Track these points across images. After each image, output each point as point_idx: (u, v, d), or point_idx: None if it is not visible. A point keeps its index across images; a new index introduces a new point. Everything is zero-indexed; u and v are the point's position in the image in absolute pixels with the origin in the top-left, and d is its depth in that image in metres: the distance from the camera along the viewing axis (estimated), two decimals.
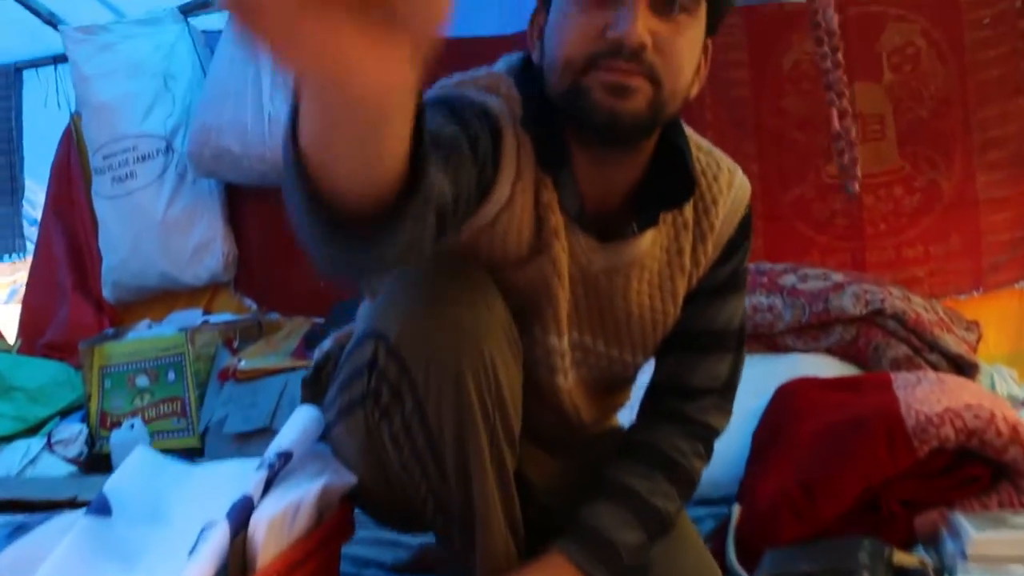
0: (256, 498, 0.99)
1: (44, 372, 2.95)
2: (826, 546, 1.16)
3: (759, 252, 2.46)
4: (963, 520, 1.16)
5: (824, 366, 1.87)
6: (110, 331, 2.92)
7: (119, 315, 3.19)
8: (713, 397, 1.15)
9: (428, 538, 1.34)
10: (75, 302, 3.21)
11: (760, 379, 1.77)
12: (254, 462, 1.13)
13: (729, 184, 1.08)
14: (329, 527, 1.07)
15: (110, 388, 2.71)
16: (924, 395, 1.39)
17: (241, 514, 0.96)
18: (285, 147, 0.61)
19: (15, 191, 3.58)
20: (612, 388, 1.17)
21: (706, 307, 1.11)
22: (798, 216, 2.48)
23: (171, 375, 2.64)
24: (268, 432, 2.30)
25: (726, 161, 1.10)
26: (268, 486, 1.02)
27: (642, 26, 0.89)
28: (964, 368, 1.84)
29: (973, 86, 2.38)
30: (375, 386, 0.97)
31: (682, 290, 1.08)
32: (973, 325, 2.09)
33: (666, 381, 1.16)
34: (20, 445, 2.57)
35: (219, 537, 0.93)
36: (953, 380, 1.58)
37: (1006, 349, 2.30)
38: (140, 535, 1.08)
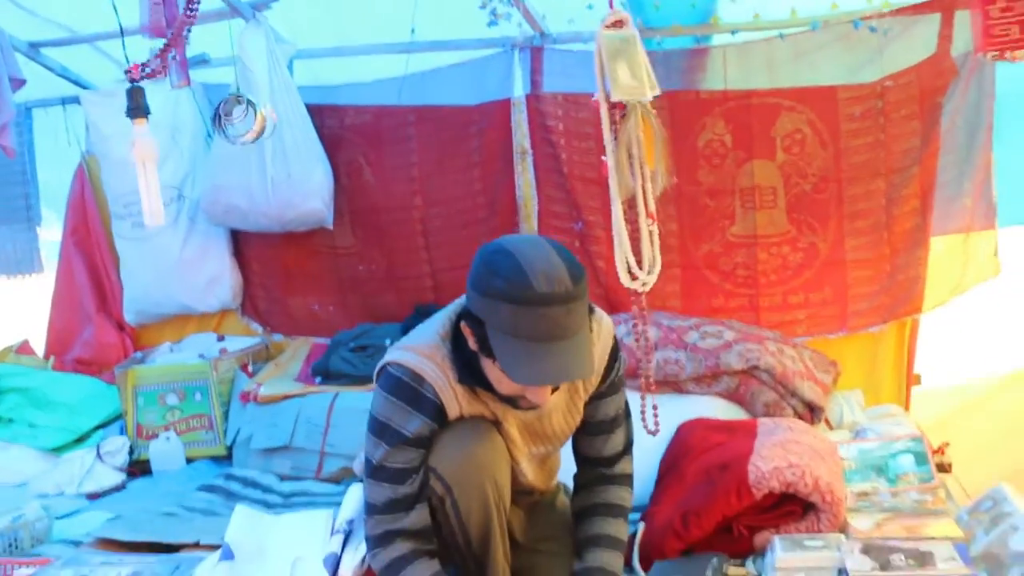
0: (339, 553, 1.60)
1: (81, 387, 3.47)
2: (689, 561, 1.81)
3: (677, 296, 3.10)
4: (778, 541, 1.81)
5: (715, 407, 2.52)
6: (139, 355, 3.45)
7: (138, 334, 3.72)
8: (624, 457, 1.80)
9: None
10: (99, 323, 3.71)
11: (668, 415, 2.41)
12: (320, 513, 1.76)
13: (599, 332, 1.66)
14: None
15: (143, 405, 3.25)
16: (770, 449, 2.02)
17: (334, 565, 1.58)
18: None
19: (31, 218, 4.03)
20: (545, 462, 1.82)
21: (599, 407, 1.75)
22: (707, 267, 3.08)
23: (198, 396, 3.20)
24: (288, 448, 2.89)
25: (596, 313, 1.67)
26: (344, 543, 1.64)
27: (548, 394, 1.50)
28: (814, 409, 2.49)
29: (845, 167, 2.96)
30: (429, 495, 1.59)
31: (581, 405, 1.71)
32: (831, 366, 2.75)
33: (589, 456, 1.79)
34: (74, 457, 3.10)
35: None
36: (799, 430, 2.23)
37: (861, 377, 2.95)
38: (253, 570, 1.69)
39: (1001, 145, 2.83)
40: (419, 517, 1.59)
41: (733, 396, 2.54)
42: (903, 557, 1.69)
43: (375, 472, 1.59)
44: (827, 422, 2.59)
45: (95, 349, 3.67)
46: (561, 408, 1.68)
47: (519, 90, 3.32)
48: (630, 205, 1.95)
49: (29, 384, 3.41)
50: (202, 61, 3.58)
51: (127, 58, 2.28)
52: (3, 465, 3.09)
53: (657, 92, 1.95)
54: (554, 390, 1.56)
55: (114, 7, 2.26)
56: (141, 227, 3.48)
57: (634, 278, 1.95)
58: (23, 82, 3.25)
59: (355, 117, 3.47)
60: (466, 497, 1.57)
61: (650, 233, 1.94)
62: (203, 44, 3.39)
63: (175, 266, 3.47)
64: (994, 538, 1.72)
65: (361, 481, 1.75)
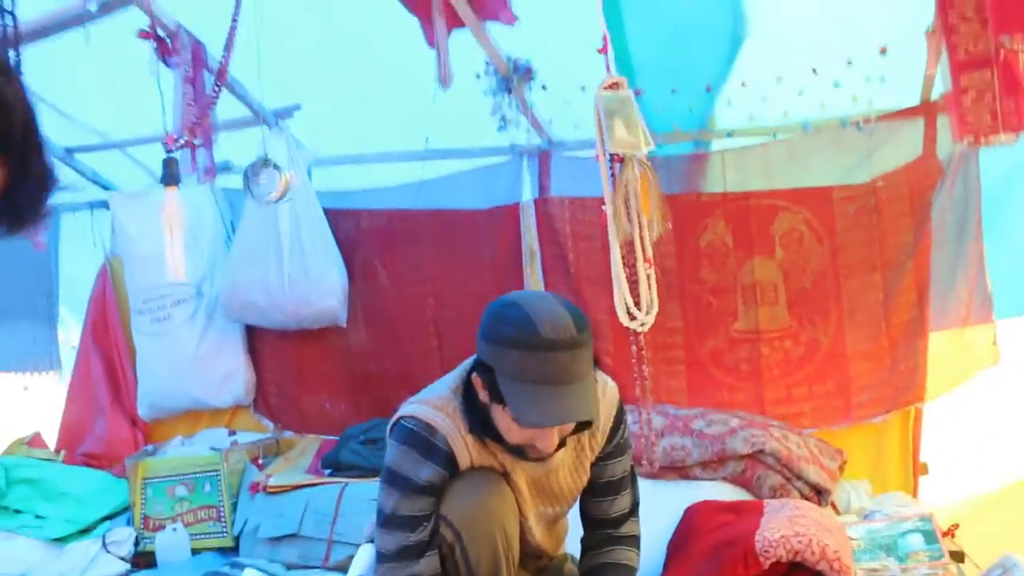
0: None
1: (91, 480, 3.48)
2: None
3: (683, 391, 3.15)
4: None
5: (721, 491, 2.53)
6: (150, 448, 3.49)
7: (151, 429, 3.76)
8: (630, 519, 1.83)
9: None
10: (112, 418, 3.76)
11: (675, 500, 2.44)
12: None
13: (604, 391, 1.73)
14: None
15: (152, 496, 3.26)
16: (777, 522, 2.04)
17: None
18: None
19: (51, 316, 4.15)
20: (554, 524, 1.84)
21: (605, 468, 1.79)
22: (712, 362, 3.14)
23: (207, 487, 3.21)
24: (296, 537, 2.88)
25: (603, 377, 1.74)
26: None
27: (556, 441, 1.55)
28: (821, 492, 2.50)
29: (842, 263, 3.07)
30: (439, 542, 1.62)
31: (588, 465, 1.76)
32: (837, 453, 2.77)
33: (596, 518, 1.82)
34: (79, 547, 3.10)
35: None
36: (806, 508, 2.24)
37: (868, 467, 2.96)
38: None
39: (992, 238, 2.94)
40: (429, 565, 1.61)
41: (739, 480, 2.56)
42: None
43: (387, 521, 1.62)
44: (834, 506, 2.59)
45: (107, 444, 3.70)
46: (568, 466, 1.72)
47: (527, 194, 3.48)
48: (628, 250, 2.04)
49: (39, 476, 3.42)
50: (225, 168, 3.75)
51: (166, 146, 2.43)
52: (6, 554, 3.07)
53: (652, 147, 2.08)
54: (560, 445, 1.60)
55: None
56: (160, 322, 3.61)
57: (632, 318, 2.02)
58: (56, 182, 3.43)
59: (370, 220, 3.62)
60: (476, 544, 1.60)
61: (648, 277, 2.03)
62: (227, 152, 3.57)
63: (191, 361, 3.54)
64: None
65: (371, 542, 1.77)
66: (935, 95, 2.96)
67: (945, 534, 2.35)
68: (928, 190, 2.99)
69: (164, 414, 3.68)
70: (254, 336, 3.65)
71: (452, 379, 1.68)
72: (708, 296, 3.16)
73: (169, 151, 2.42)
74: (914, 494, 2.90)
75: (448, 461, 1.61)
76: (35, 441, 3.83)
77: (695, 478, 2.59)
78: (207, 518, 3.17)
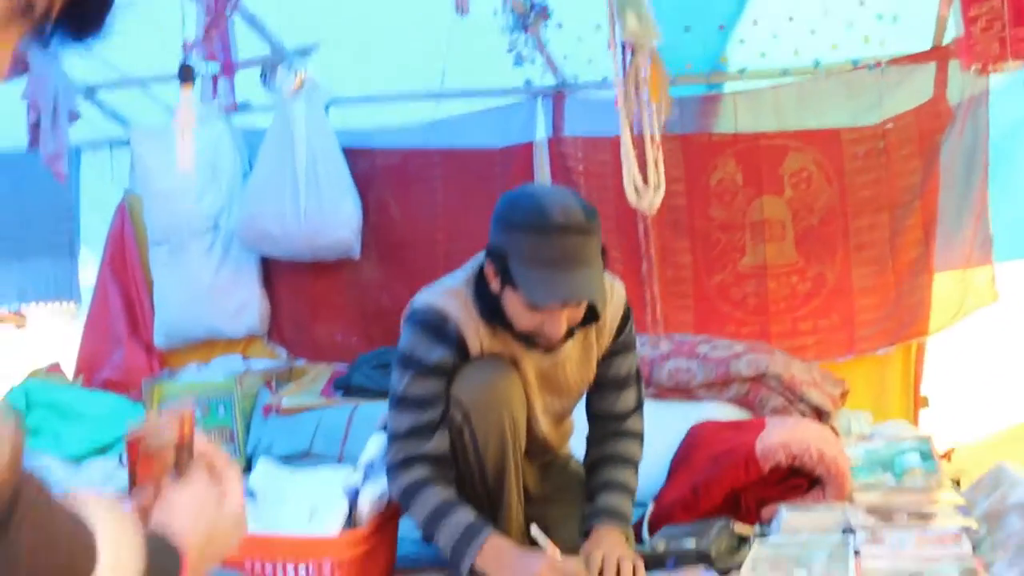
0: (359, 488, 1.68)
1: (108, 403, 3.56)
2: (697, 523, 1.87)
3: (690, 325, 3.21)
4: (784, 509, 1.87)
5: (724, 411, 2.59)
6: (166, 372, 3.57)
7: (166, 358, 3.84)
8: (635, 414, 1.89)
9: None
10: (129, 347, 3.85)
11: (679, 420, 2.49)
12: (339, 470, 1.84)
13: (612, 292, 1.79)
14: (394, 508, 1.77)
15: None
16: (778, 432, 2.10)
17: (353, 496, 1.66)
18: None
19: (72, 253, 4.23)
20: (560, 420, 1.90)
21: (611, 364, 1.85)
22: (719, 296, 3.20)
23: (221, 410, 3.29)
24: (307, 455, 2.96)
25: (611, 277, 1.80)
26: (365, 481, 1.72)
27: (564, 327, 1.60)
28: (822, 415, 2.56)
29: (851, 202, 3.12)
30: (449, 425, 1.68)
31: (594, 362, 1.82)
32: (839, 382, 2.82)
33: (601, 412, 1.88)
34: (96, 464, 3.19)
35: (342, 507, 1.63)
36: (806, 422, 2.30)
37: (870, 399, 3.02)
38: (274, 512, 1.76)
39: (996, 183, 2.98)
40: (439, 444, 1.67)
41: (743, 402, 2.62)
42: (906, 515, 1.75)
43: (399, 403, 1.68)
44: (834, 431, 2.64)
45: (124, 371, 3.78)
46: (575, 360, 1.78)
47: (541, 134, 3.52)
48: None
49: (57, 399, 3.51)
50: (244, 107, 3.82)
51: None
52: None
53: (660, 39, 2.14)
54: (568, 335, 1.66)
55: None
56: (178, 253, 3.68)
57: (640, 197, 2.08)
58: (78, 116, 3.50)
59: (385, 159, 3.68)
60: (484, 424, 1.65)
61: (655, 159, 2.09)
62: (245, 92, 3.62)
63: (207, 291, 3.61)
64: (994, 498, 1.77)
65: (384, 429, 1.84)
66: (947, 39, 2.99)
67: (942, 457, 2.40)
68: (937, 133, 3.03)
69: (180, 343, 3.76)
70: (269, 268, 3.72)
71: (464, 271, 1.74)
72: (717, 232, 3.21)
73: (187, 52, 2.47)
74: (914, 425, 2.96)
75: (459, 346, 1.67)
76: (53, 369, 3.92)
77: (699, 399, 2.65)
78: (220, 439, 3.25)
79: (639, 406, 1.89)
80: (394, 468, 1.69)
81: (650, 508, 2.08)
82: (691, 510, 1.98)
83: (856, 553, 1.54)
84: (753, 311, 3.17)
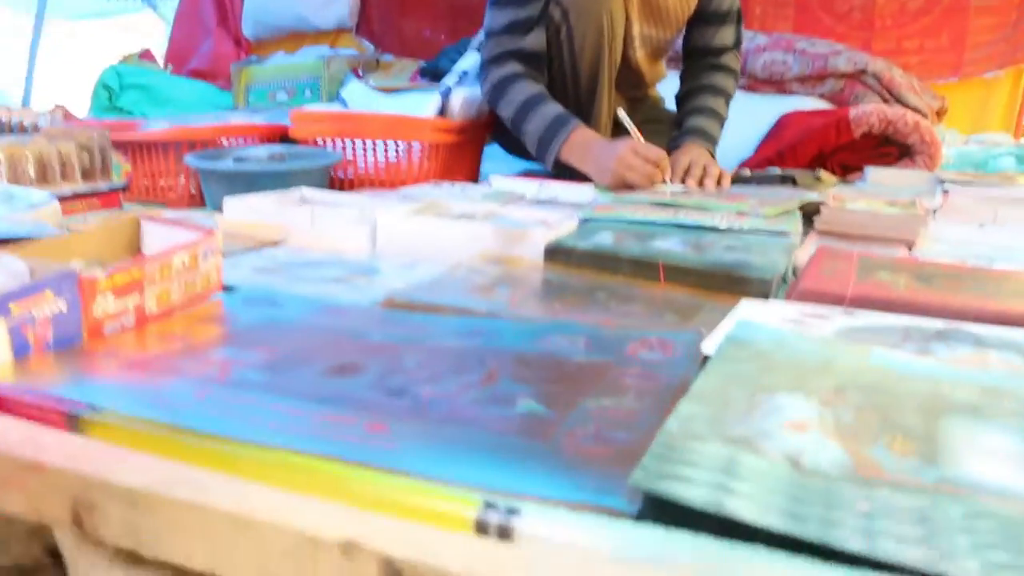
0: (452, 87, 1.71)
1: (197, 90, 3.65)
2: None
3: (787, 31, 3.07)
4: (871, 169, 1.86)
5: (817, 106, 2.52)
6: (254, 58, 3.61)
7: (254, 48, 3.87)
8: (730, 52, 1.87)
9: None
10: (218, 37, 3.88)
11: (768, 110, 2.44)
12: (426, 92, 1.87)
13: None
14: (488, 121, 1.80)
15: (253, 102, 3.42)
16: (873, 106, 2.05)
17: (446, 92, 1.69)
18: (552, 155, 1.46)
19: None
20: (657, 56, 1.87)
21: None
22: (822, 7, 3.04)
23: (308, 93, 3.34)
24: None
25: None
26: (457, 86, 1.74)
27: None
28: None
29: None
30: (547, 24, 1.66)
31: None
32: (940, 97, 2.71)
33: (698, 49, 1.86)
34: None
35: (436, 100, 1.67)
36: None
37: (969, 121, 2.91)
38: None
39: None
40: (536, 40, 1.67)
41: (836, 98, 2.54)
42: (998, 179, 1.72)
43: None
44: None
45: (212, 61, 3.83)
46: None
47: None
48: None
49: (148, 83, 3.59)
50: None
51: None
52: None
53: None
54: None
55: None
56: None
57: None
58: None
59: None
60: (582, 24, 1.64)
61: None
62: None
63: None
64: None
65: (478, 49, 1.84)
66: None
67: None
68: None
69: (268, 32, 3.77)
70: None
71: None
72: None
73: None
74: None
75: None
76: (146, 55, 3.99)
77: (792, 92, 2.58)
78: None
79: (737, 44, 1.85)
80: (488, 63, 1.69)
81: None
82: None
83: (944, 191, 1.53)
84: (857, 26, 3.01)
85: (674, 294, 0.89)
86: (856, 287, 0.88)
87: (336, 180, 1.72)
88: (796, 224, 1.16)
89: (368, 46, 3.68)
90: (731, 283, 0.89)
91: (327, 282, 0.89)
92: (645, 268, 0.94)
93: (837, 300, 0.86)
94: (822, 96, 2.55)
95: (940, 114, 2.73)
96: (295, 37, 3.75)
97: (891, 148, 1.96)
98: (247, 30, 3.79)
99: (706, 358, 0.64)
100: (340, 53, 3.46)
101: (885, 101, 2.47)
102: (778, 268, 0.90)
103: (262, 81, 3.42)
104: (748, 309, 0.83)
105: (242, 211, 1.17)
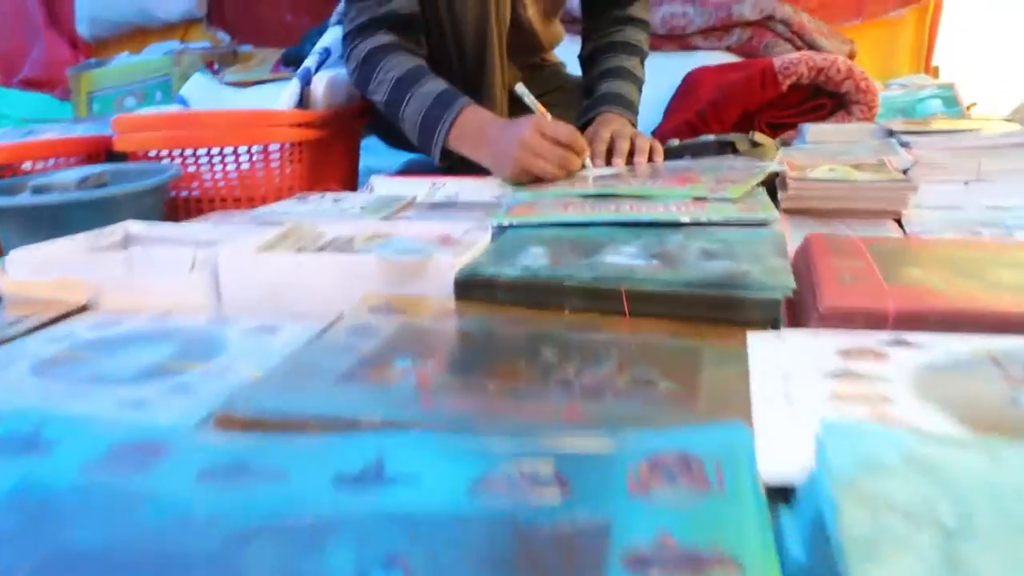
0: (313, 70, 1.40)
1: (30, 102, 3.21)
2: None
3: None
4: (807, 126, 1.64)
5: (724, 60, 2.30)
6: (93, 61, 3.17)
7: (94, 50, 3.42)
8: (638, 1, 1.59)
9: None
10: (49, 39, 3.42)
11: (672, 71, 2.21)
12: (279, 85, 1.55)
13: None
14: (360, 107, 1.50)
15: (99, 111, 3.00)
16: (797, 54, 1.83)
17: (305, 76, 1.37)
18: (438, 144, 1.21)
19: None
20: (551, 17, 1.59)
21: None
22: None
23: (158, 95, 2.94)
24: None
25: None
26: (319, 68, 1.43)
27: None
28: None
29: None
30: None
31: None
32: (848, 40, 2.54)
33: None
34: None
35: (294, 87, 1.35)
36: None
37: (877, 65, 2.75)
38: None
39: None
40: (408, 1, 1.37)
41: (744, 49, 2.34)
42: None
43: None
44: None
45: (46, 67, 3.38)
46: None
47: None
48: None
49: None
50: None
51: None
52: None
53: None
54: None
55: None
56: None
57: None
58: None
59: None
60: None
61: None
62: None
63: None
64: None
65: (339, 23, 1.54)
66: None
67: (967, 108, 2.18)
68: None
69: (107, 30, 3.33)
70: None
71: None
72: None
73: None
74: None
75: None
76: None
77: (695, 48, 2.36)
78: None
79: None
80: (353, 33, 1.38)
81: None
82: (698, 133, 1.74)
83: (904, 145, 1.32)
84: None
85: (649, 335, 0.62)
86: (896, 296, 0.63)
87: (181, 203, 1.37)
88: (770, 207, 0.91)
89: (223, 37, 3.29)
90: (726, 308, 0.64)
91: (138, 380, 0.59)
92: (601, 298, 0.67)
93: (877, 322, 0.61)
94: (729, 49, 2.34)
95: (850, 58, 2.56)
96: (139, 33, 3.33)
97: (823, 100, 1.75)
98: (83, 29, 3.35)
99: (774, 491, 0.37)
100: (192, 47, 3.07)
101: (797, 49, 2.28)
102: (785, 280, 0.65)
103: (106, 86, 3.01)
104: (762, 349, 0.58)
105: (32, 265, 0.85)
